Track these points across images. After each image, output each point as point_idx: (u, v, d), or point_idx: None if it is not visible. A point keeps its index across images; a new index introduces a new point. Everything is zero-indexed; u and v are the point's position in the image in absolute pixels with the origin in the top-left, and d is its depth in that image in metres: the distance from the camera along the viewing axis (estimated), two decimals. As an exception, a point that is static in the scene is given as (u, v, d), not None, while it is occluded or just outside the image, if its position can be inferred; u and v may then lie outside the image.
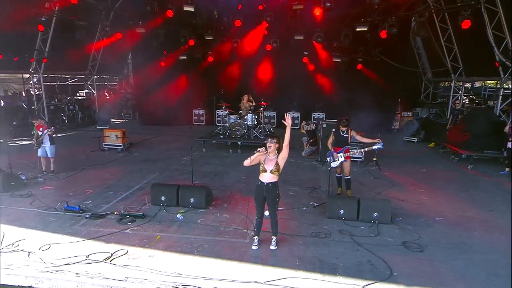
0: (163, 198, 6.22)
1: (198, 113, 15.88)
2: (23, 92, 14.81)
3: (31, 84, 13.97)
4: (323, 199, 6.40)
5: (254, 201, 4.82)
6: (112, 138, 10.61)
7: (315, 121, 10.37)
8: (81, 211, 5.92)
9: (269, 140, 4.67)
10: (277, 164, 4.59)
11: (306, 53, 14.20)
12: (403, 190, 7.41)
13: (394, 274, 4.29)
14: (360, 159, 9.51)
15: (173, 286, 4.04)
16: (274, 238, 4.89)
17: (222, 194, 6.86)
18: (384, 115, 13.48)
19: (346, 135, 6.49)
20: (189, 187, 6.51)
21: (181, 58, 14.84)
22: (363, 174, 8.61)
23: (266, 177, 4.64)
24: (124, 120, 17.80)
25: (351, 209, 5.77)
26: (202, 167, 8.90)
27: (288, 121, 4.63)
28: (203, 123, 15.59)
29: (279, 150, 4.67)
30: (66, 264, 4.40)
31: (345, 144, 6.50)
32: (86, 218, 5.75)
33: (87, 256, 4.58)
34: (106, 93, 18.50)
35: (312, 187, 7.29)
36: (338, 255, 4.70)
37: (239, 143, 10.37)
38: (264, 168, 4.64)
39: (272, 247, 4.86)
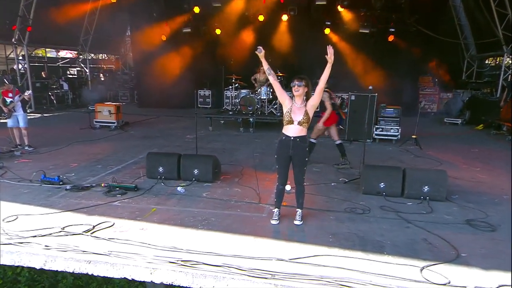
0: (161, 169, 5.71)
1: (204, 94, 15.36)
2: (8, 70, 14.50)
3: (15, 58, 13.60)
4: (355, 175, 5.94)
5: (276, 162, 4.20)
6: (105, 113, 10.21)
7: (341, 95, 9.62)
8: (60, 182, 5.37)
9: (296, 82, 3.99)
10: (306, 113, 3.97)
11: (329, 23, 13.51)
12: (454, 168, 6.67)
13: (463, 255, 3.59)
14: (395, 137, 8.79)
15: (170, 262, 3.39)
16: (299, 211, 4.27)
17: (232, 169, 6.41)
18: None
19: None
20: (192, 156, 6.04)
21: (184, 31, 14.35)
22: (400, 153, 7.99)
23: (293, 130, 4.02)
24: (121, 103, 17.38)
25: (394, 182, 5.11)
26: (209, 144, 8.44)
27: (330, 55, 3.87)
28: (209, 106, 15.03)
29: (307, 95, 4.03)
30: (35, 236, 3.81)
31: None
32: (66, 190, 5.21)
33: (62, 228, 3.98)
34: (101, 74, 18.10)
35: (341, 163, 6.66)
36: (383, 232, 4.07)
37: (251, 119, 9.87)
38: (291, 118, 4.01)
39: (297, 222, 4.21)
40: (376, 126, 8.87)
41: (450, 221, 4.39)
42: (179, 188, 5.29)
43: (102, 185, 5.34)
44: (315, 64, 13.22)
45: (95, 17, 15.51)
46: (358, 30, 13.11)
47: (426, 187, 4.98)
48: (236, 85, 10.93)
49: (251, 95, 10.05)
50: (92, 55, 19.11)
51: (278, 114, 9.98)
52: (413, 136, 8.53)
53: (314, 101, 4.01)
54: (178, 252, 3.56)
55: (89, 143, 8.42)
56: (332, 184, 5.73)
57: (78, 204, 4.69)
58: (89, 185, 5.41)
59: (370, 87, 5.82)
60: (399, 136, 8.81)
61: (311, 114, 4.00)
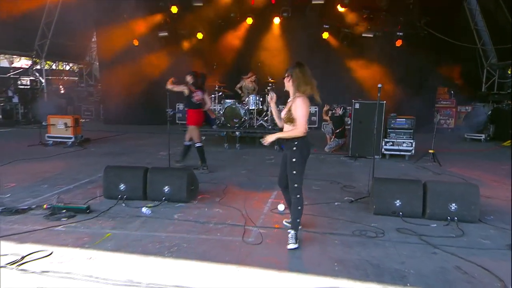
0: (122, 187, 5.32)
1: (184, 108, 14.92)
2: None
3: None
4: (362, 194, 5.75)
5: None
6: (59, 127, 9.78)
7: (343, 105, 9.47)
8: (-13, 204, 4.87)
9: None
10: (289, 110, 3.86)
11: (327, 26, 13.59)
12: (484, 185, 6.38)
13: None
14: (409, 152, 8.60)
15: (122, 300, 2.92)
16: (291, 232, 3.89)
17: (213, 188, 6.13)
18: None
19: None
20: (163, 170, 5.68)
21: (161, 35, 14.27)
22: (416, 170, 7.75)
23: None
24: (84, 120, 17.00)
25: (413, 198, 4.78)
26: (187, 161, 8.03)
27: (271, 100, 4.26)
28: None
29: (298, 87, 3.88)
30: None
31: None
32: (-6, 213, 4.70)
33: (-22, 260, 3.48)
34: (60, 86, 17.74)
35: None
36: (404, 259, 3.71)
37: (237, 133, 9.59)
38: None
39: (290, 245, 3.82)
40: (386, 140, 8.67)
41: (488, 246, 4.05)
42: (144, 210, 4.90)
43: (44, 207, 4.88)
44: (313, 74, 13.48)
45: (53, 18, 15.25)
46: (361, 35, 13.23)
47: (454, 204, 4.64)
48: (220, 93, 10.68)
49: (237, 105, 9.75)
50: (53, 64, 18.85)
51: (269, 127, 9.69)
52: (430, 151, 8.35)
53: (295, 108, 3.83)
54: (135, 287, 3.10)
55: (37, 161, 8.00)
56: (336, 203, 5.45)
57: (8, 230, 4.20)
58: (26, 207, 4.93)
59: (380, 85, 5.58)
60: (413, 151, 8.59)
61: (294, 114, 3.81)
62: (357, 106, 8.72)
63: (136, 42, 14.47)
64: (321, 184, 6.46)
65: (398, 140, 8.63)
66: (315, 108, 13.88)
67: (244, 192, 5.92)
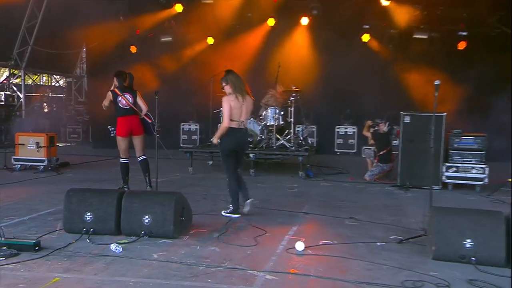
0: (88, 216, 5.04)
1: (189, 128, 14.91)
2: None
3: None
4: (416, 231, 5.40)
5: None
6: (30, 147, 9.68)
7: (387, 120, 9.29)
8: None
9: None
10: None
11: (367, 26, 13.46)
12: None
13: None
14: (481, 182, 8.19)
15: None
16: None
17: (212, 221, 5.96)
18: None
19: None
20: (143, 194, 5.57)
21: (163, 40, 14.54)
22: (491, 205, 7.27)
23: None
24: (69, 144, 17.23)
25: (491, 237, 4.29)
26: (184, 188, 8.06)
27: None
28: (198, 145, 14.46)
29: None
30: None
31: None
32: None
33: None
34: (44, 104, 18.00)
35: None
36: None
37: (251, 155, 9.31)
38: None
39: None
40: (447, 164, 8.29)
41: None
42: (112, 247, 4.58)
43: (-20, 242, 4.57)
44: (348, 84, 13.16)
45: (37, 21, 15.60)
46: (412, 35, 13.03)
47: (553, 245, 4.05)
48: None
49: (252, 120, 9.59)
50: (36, 77, 19.17)
51: (292, 147, 9.36)
52: (510, 180, 7.83)
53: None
54: None
55: None
56: (378, 243, 5.08)
57: None
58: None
59: (437, 82, 5.11)
60: (486, 180, 8.16)
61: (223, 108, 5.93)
62: (407, 119, 8.53)
63: (133, 49, 14.69)
64: (358, 218, 6.18)
65: (464, 165, 8.20)
66: (353, 128, 13.57)
67: (253, 226, 5.66)
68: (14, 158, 9.84)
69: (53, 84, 20.57)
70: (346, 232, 5.48)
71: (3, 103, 15.96)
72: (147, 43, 14.81)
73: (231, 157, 6.01)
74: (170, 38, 14.47)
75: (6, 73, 18.88)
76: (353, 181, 9.03)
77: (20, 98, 16.42)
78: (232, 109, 5.78)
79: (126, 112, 7.19)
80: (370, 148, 9.72)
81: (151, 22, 14.32)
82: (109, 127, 7.42)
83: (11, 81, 16.97)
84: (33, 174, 9.41)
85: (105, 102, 7.28)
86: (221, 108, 6.02)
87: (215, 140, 6.19)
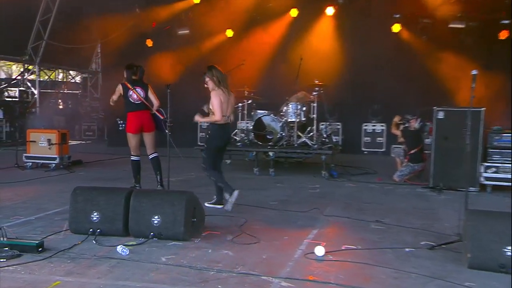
0: (95, 216, 5.01)
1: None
2: None
3: None
4: (450, 237, 5.24)
5: None
6: (41, 145, 9.78)
7: (418, 117, 9.07)
8: None
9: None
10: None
11: (398, 15, 13.24)
12: None
13: None
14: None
15: None
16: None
17: (227, 222, 5.91)
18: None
19: None
20: (152, 193, 5.48)
21: (180, 33, 14.69)
22: None
23: None
24: (84, 142, 17.59)
25: None
26: (198, 188, 7.95)
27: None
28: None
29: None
30: None
31: None
32: None
33: None
34: (59, 101, 18.29)
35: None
36: None
37: (270, 154, 9.27)
38: None
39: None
40: (486, 164, 8.06)
41: None
42: (119, 249, 4.52)
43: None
44: (376, 79, 12.94)
45: (51, 15, 15.82)
46: (447, 25, 12.82)
47: None
48: (249, 101, 10.46)
49: (273, 116, 9.49)
50: (51, 73, 19.49)
51: (315, 146, 9.21)
52: None
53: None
54: None
55: (2, 187, 7.98)
56: (407, 249, 4.91)
57: None
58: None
59: (474, 71, 4.88)
60: None
61: (211, 106, 6.24)
62: (440, 115, 8.29)
63: (149, 43, 14.89)
64: (384, 222, 6.04)
65: (505, 165, 7.96)
66: (382, 125, 13.43)
67: (270, 229, 5.65)
68: (25, 156, 9.99)
69: (69, 80, 20.94)
70: (371, 236, 5.40)
71: (17, 99, 16.29)
72: (164, 36, 14.93)
73: (217, 153, 6.48)
74: (187, 31, 14.60)
75: (21, 69, 19.31)
76: (380, 182, 8.92)
77: (35, 94, 16.74)
78: (221, 103, 6.13)
79: (137, 107, 7.14)
80: (400, 147, 9.57)
81: (168, 14, 14.51)
82: (118, 119, 7.42)
83: (25, 77, 17.30)
84: (44, 173, 9.54)
85: (114, 97, 7.29)
86: (219, 105, 6.14)
87: (198, 118, 6.49)
